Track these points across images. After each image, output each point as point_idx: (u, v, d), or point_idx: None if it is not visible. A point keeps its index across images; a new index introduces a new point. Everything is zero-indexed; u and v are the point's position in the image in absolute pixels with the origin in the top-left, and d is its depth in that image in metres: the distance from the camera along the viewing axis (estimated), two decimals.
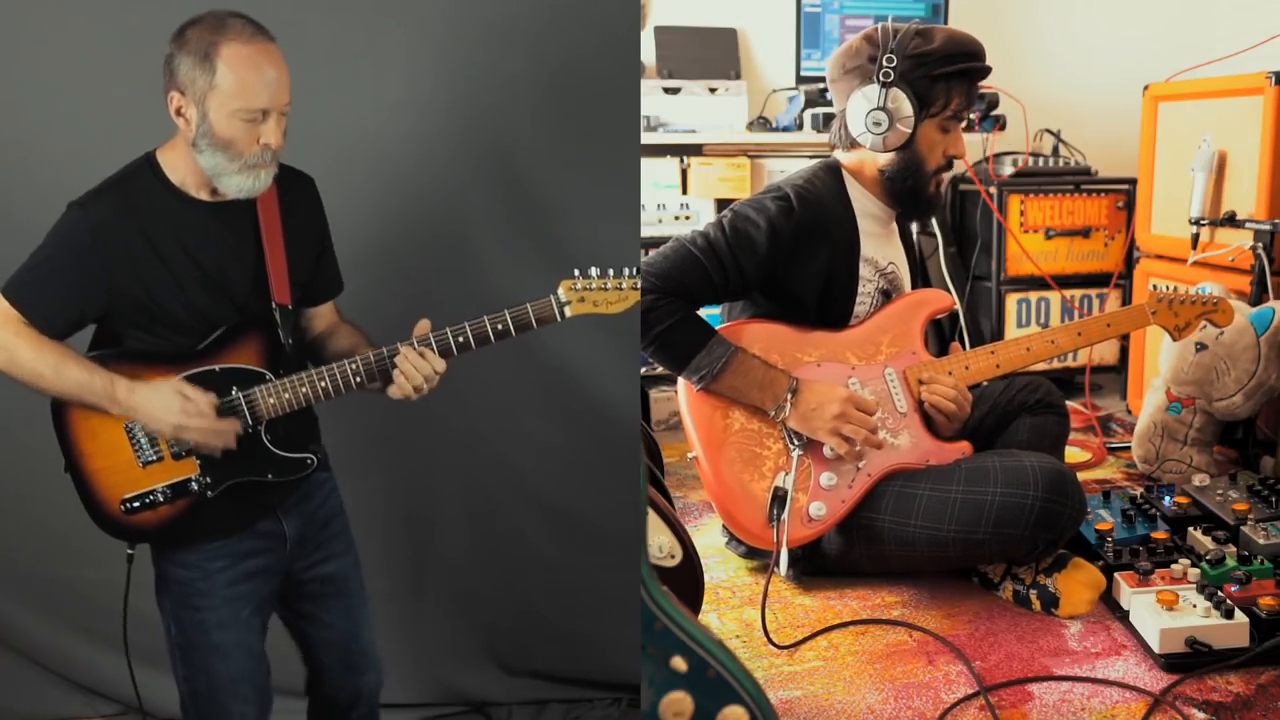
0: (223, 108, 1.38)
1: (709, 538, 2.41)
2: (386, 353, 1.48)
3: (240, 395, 1.47)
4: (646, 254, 3.26)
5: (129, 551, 1.52)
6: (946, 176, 2.16)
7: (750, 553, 2.27)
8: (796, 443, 2.05)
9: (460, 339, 1.48)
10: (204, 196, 1.47)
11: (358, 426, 2.03)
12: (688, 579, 1.68)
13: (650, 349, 2.01)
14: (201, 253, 1.46)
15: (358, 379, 1.48)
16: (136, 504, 1.47)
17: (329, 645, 1.66)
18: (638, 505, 1.65)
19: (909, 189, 2.12)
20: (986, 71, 2.10)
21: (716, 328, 2.10)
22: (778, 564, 2.01)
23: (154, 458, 1.47)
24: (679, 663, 1.14)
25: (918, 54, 2.02)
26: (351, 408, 1.98)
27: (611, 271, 1.50)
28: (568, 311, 1.49)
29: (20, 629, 2.12)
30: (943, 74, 2.03)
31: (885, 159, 2.11)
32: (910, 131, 2.04)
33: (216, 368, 1.47)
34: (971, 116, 3.43)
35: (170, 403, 1.43)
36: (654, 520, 1.63)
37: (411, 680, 2.13)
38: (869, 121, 2.05)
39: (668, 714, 1.13)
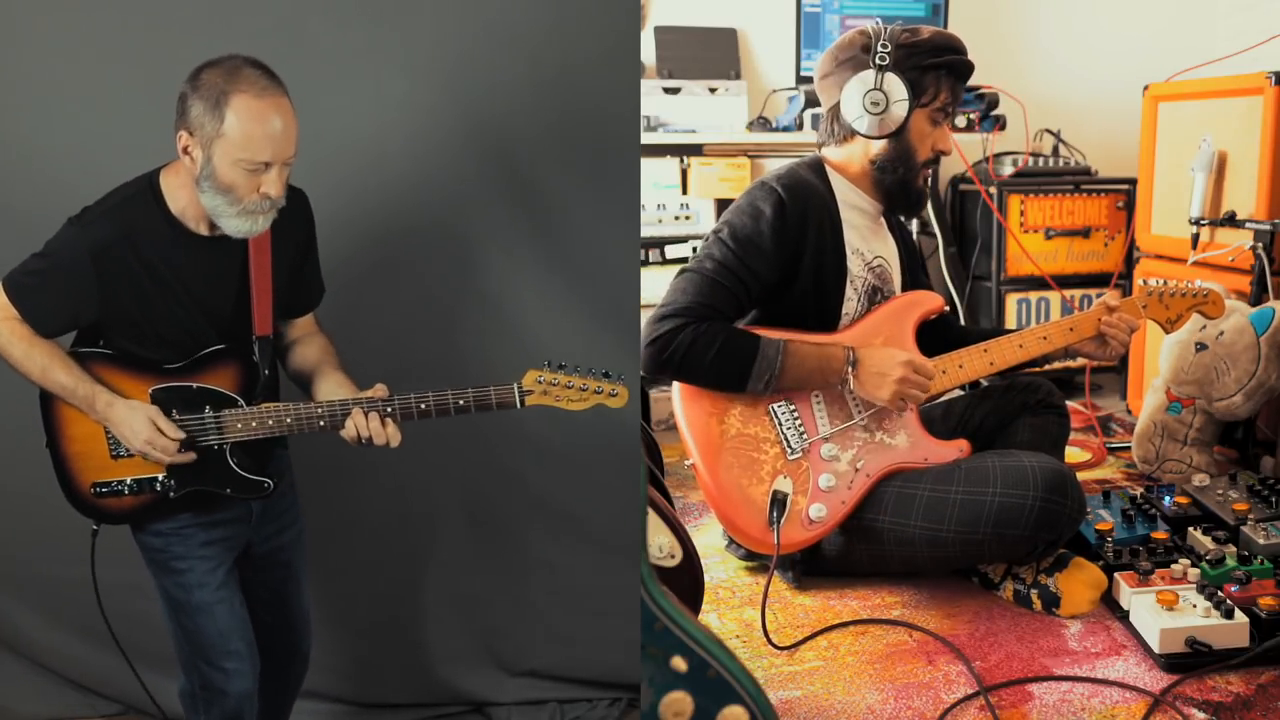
0: (227, 155, 1.42)
1: (709, 538, 2.41)
2: (352, 403, 1.54)
3: (212, 415, 1.55)
4: (646, 255, 3.29)
5: (94, 528, 1.61)
6: (930, 172, 2.20)
7: (750, 555, 2.27)
8: (795, 445, 2.05)
9: (423, 406, 1.55)
10: (202, 231, 1.52)
11: None
12: (688, 579, 1.68)
13: (706, 379, 2.02)
14: (191, 280, 1.52)
15: (321, 424, 1.55)
16: (104, 490, 1.56)
17: (270, 606, 1.75)
18: (638, 505, 1.65)
19: (899, 179, 2.14)
20: (970, 68, 2.15)
21: None
22: (778, 566, 2.00)
23: (125, 453, 1.55)
24: (679, 663, 1.14)
25: (908, 44, 2.07)
26: None
27: (578, 370, 1.56)
28: (527, 400, 1.56)
29: (21, 629, 2.12)
30: (932, 65, 2.08)
31: (877, 149, 2.12)
32: (905, 116, 2.07)
33: (194, 384, 1.54)
34: (971, 116, 3.43)
35: (142, 427, 1.51)
36: (654, 520, 1.63)
37: (411, 680, 2.13)
38: (867, 102, 2.06)
39: (668, 714, 1.13)
